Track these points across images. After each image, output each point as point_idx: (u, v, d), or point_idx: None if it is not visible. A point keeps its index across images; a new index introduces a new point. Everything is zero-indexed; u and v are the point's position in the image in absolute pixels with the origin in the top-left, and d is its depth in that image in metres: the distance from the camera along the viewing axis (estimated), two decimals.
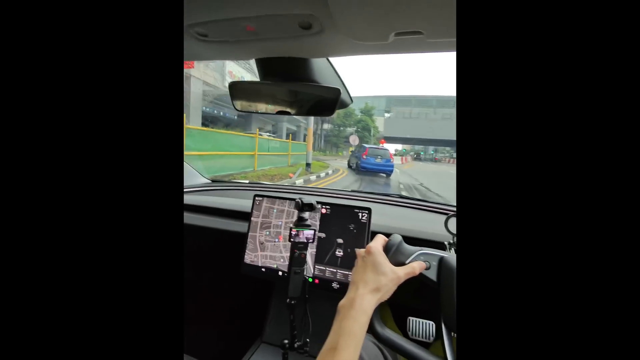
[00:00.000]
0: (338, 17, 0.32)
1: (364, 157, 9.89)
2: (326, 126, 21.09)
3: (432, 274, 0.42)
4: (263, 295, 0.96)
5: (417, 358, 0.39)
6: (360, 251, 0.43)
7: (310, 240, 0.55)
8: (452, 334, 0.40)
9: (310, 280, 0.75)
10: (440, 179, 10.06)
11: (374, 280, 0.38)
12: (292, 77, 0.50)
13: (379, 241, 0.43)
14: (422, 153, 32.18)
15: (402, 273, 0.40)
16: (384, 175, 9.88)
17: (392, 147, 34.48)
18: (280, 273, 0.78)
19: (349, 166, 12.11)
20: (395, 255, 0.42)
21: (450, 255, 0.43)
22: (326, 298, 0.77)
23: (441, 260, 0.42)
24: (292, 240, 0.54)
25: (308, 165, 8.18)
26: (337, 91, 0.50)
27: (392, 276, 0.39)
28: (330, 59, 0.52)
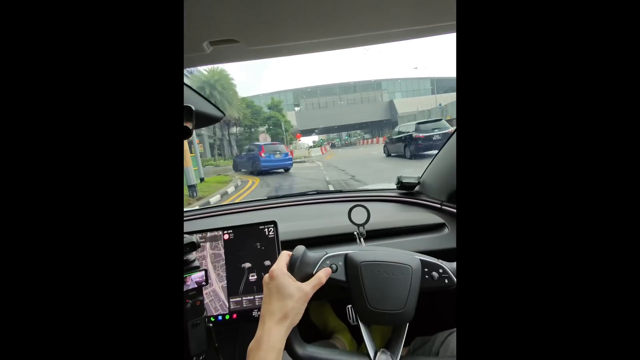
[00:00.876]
0: None
1: (262, 155, 9.17)
2: (234, 130, 19.82)
3: (340, 275, 0.43)
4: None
5: None
6: (265, 277, 0.41)
7: (203, 283, 0.49)
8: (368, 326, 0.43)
9: (227, 317, 0.68)
10: (366, 164, 9.11)
11: (280, 308, 0.37)
12: None
13: (282, 261, 0.42)
14: (337, 140, 34.71)
15: (309, 288, 0.39)
16: (283, 170, 9.49)
17: (309, 140, 35.81)
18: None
19: (235, 168, 10.95)
20: (300, 269, 0.41)
21: (356, 249, 0.44)
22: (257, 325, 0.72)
23: (346, 258, 0.43)
24: None
25: (192, 187, 5.71)
26: (188, 109, 0.44)
27: (298, 295, 0.38)
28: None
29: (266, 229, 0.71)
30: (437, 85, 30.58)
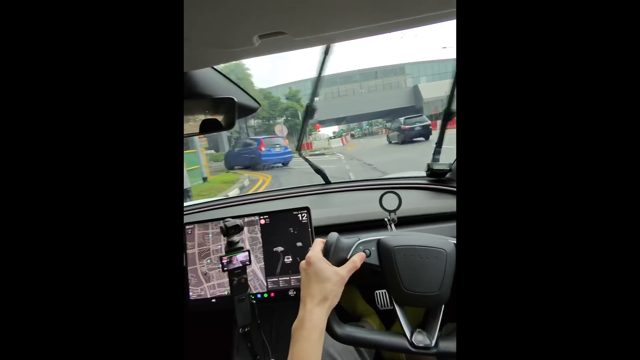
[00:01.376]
0: (188, 29, 0.31)
1: (263, 149, 8.71)
2: (253, 122, 19.77)
3: (374, 259, 0.45)
4: (219, 326, 0.91)
5: (378, 344, 0.43)
6: (302, 264, 0.44)
7: (247, 263, 0.54)
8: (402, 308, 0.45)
9: (266, 295, 0.74)
10: (391, 155, 8.52)
11: (319, 291, 0.41)
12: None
13: (317, 247, 0.45)
14: (357, 130, 33.96)
15: (345, 272, 0.42)
16: (281, 165, 8.98)
17: (329, 130, 35.38)
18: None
19: (227, 165, 10.28)
20: (335, 254, 0.44)
21: (388, 234, 0.47)
22: (292, 305, 0.77)
23: (379, 243, 0.46)
24: (225, 269, 0.52)
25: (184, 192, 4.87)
26: (231, 100, 0.48)
27: (335, 279, 0.41)
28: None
29: (300, 215, 0.75)
30: None
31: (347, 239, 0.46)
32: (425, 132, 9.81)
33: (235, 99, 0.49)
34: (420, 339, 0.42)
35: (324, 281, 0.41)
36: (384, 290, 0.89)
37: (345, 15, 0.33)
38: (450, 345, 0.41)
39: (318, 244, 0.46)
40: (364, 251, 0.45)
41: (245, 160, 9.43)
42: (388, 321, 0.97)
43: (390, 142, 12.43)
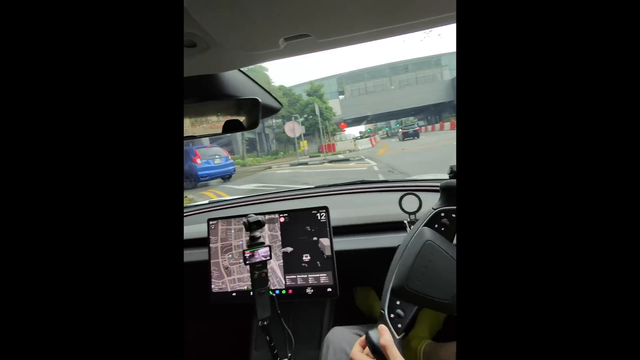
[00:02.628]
0: (215, 32, 0.35)
1: (198, 161, 7.50)
2: (272, 122, 19.25)
3: (404, 320, 0.43)
4: (240, 319, 0.98)
5: None
6: None
7: (268, 258, 0.58)
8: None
9: (284, 292, 0.78)
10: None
11: None
12: (202, 97, 0.51)
13: (357, 349, 0.44)
14: (387, 129, 33.03)
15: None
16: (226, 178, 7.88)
17: (355, 130, 34.67)
18: (252, 293, 0.80)
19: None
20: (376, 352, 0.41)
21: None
22: (308, 303, 0.81)
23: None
24: (247, 263, 0.57)
25: None
26: (255, 101, 0.52)
27: None
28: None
29: (318, 214, 0.78)
30: None
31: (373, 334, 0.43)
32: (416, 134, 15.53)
33: (260, 100, 0.53)
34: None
35: None
36: None
37: (367, 17, 0.35)
38: None
39: (357, 349, 0.45)
40: (397, 324, 0.43)
41: None
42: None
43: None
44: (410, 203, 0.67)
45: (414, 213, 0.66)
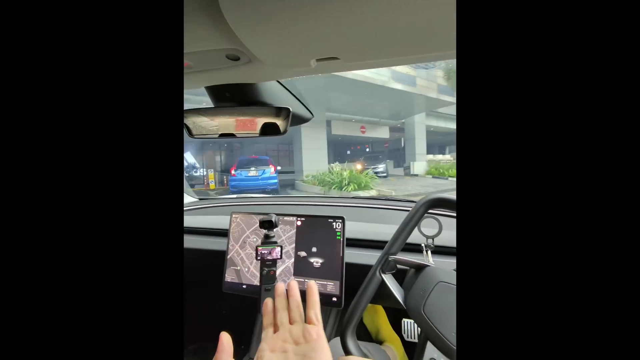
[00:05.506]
0: (256, 51, 0.40)
1: (232, 172, 7.84)
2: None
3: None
4: (249, 311, 1.03)
5: None
6: None
7: (279, 257, 0.62)
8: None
9: None
10: None
11: None
12: (242, 101, 0.57)
13: None
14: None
15: None
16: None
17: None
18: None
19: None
20: None
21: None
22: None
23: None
24: (259, 258, 0.61)
25: None
26: (287, 110, 0.57)
27: None
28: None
29: (334, 223, 0.81)
30: None
31: None
32: None
33: (291, 109, 0.58)
34: None
35: None
36: (411, 320, 0.89)
37: (392, 46, 0.38)
38: None
39: None
40: None
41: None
42: (412, 354, 0.96)
43: None
44: (431, 226, 0.67)
45: (433, 237, 0.66)
